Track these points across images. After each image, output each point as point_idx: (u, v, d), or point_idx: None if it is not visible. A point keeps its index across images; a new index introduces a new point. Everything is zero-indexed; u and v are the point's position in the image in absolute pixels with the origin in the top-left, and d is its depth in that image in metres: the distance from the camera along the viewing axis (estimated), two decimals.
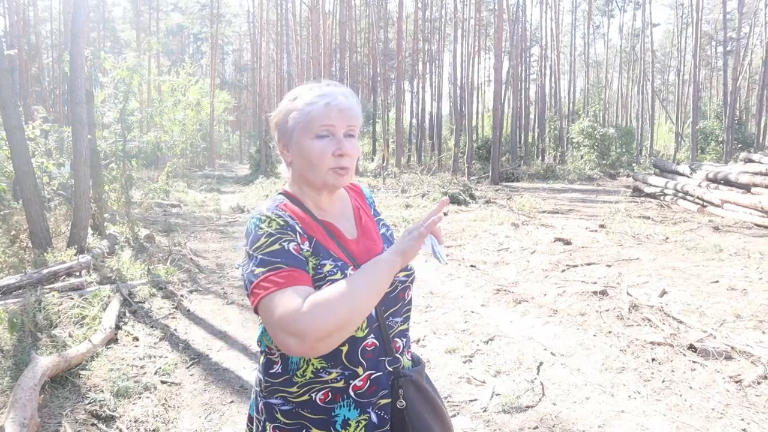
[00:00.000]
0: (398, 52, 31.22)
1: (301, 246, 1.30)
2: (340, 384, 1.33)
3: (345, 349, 1.32)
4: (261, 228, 1.29)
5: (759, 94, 34.27)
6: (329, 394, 1.33)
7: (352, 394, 1.33)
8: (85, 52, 8.14)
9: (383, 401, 1.37)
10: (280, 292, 1.19)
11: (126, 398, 3.72)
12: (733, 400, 3.64)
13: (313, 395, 1.34)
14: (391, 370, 1.39)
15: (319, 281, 1.28)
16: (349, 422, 1.33)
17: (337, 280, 1.27)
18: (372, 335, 1.35)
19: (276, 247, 1.26)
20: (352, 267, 1.33)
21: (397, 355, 1.41)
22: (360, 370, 1.33)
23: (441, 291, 6.55)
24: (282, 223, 1.30)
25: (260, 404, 1.41)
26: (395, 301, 1.42)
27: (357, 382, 1.33)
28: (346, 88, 1.41)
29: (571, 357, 4.49)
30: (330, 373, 1.33)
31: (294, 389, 1.35)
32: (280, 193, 1.45)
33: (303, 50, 41.60)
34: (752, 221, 10.86)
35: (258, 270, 1.23)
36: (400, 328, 1.44)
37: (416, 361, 1.52)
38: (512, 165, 30.09)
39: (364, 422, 1.34)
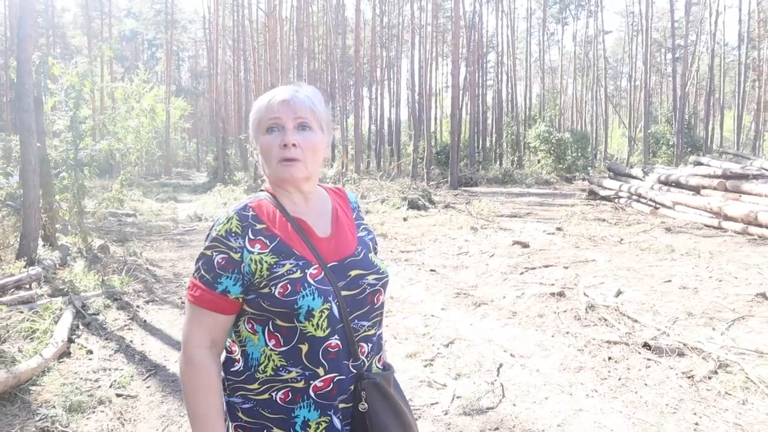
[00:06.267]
0: (356, 59, 31.24)
1: (250, 249, 1.32)
2: (300, 384, 1.32)
3: (305, 348, 1.31)
4: (215, 228, 1.35)
5: (706, 100, 35.54)
6: (289, 393, 1.32)
7: (312, 394, 1.32)
8: (33, 58, 7.90)
9: (345, 405, 1.35)
10: (197, 309, 1.31)
11: (79, 413, 3.61)
12: (686, 396, 3.74)
13: (273, 394, 1.33)
14: (355, 372, 1.37)
15: (274, 280, 1.30)
16: (309, 424, 1.32)
17: (296, 278, 1.30)
18: (336, 336, 1.33)
19: (208, 253, 1.33)
20: (316, 266, 1.34)
21: (362, 358, 1.39)
22: (321, 371, 1.32)
23: (401, 296, 6.55)
24: (230, 228, 1.34)
25: (224, 402, 1.41)
26: (362, 304, 1.40)
27: (317, 383, 1.32)
28: (303, 87, 1.44)
29: (530, 358, 4.55)
30: (290, 372, 1.32)
31: (255, 386, 1.34)
32: (261, 190, 1.48)
33: (260, 56, 41.28)
34: (702, 222, 11.22)
35: (195, 266, 1.33)
36: (366, 333, 1.41)
37: (386, 369, 1.50)
38: (471, 170, 30.32)
39: (324, 424, 1.33)
